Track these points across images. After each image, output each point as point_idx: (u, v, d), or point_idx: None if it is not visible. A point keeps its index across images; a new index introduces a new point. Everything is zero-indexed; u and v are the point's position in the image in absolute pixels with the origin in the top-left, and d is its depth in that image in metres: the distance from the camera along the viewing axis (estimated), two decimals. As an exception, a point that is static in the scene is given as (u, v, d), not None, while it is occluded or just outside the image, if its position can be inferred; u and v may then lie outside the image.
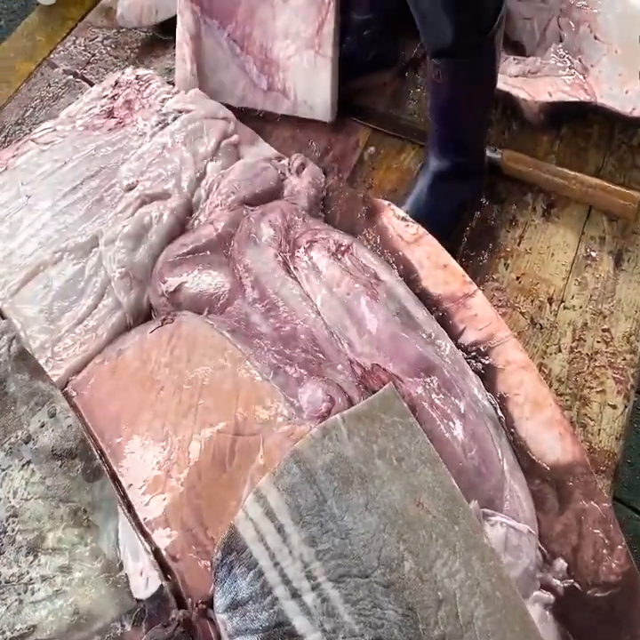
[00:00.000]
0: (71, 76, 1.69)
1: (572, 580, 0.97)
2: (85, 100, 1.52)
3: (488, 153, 1.38)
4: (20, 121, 1.62)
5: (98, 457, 1.04)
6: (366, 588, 0.83)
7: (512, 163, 1.40)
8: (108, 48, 1.75)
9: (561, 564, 0.98)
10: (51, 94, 1.67)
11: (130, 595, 0.92)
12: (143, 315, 1.24)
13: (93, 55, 1.74)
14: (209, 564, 0.92)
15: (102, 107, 1.50)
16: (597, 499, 1.00)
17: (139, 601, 0.91)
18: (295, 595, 0.85)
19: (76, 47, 1.75)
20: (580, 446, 1.03)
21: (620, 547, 0.97)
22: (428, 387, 1.05)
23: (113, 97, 1.51)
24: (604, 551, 0.97)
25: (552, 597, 0.96)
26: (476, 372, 1.09)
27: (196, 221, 1.31)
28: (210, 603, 0.89)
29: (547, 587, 0.97)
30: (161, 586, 0.89)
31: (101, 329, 1.20)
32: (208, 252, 1.24)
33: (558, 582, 0.97)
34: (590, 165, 1.45)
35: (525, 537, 0.98)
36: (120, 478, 1.02)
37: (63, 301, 1.22)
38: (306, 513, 0.88)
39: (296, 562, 0.86)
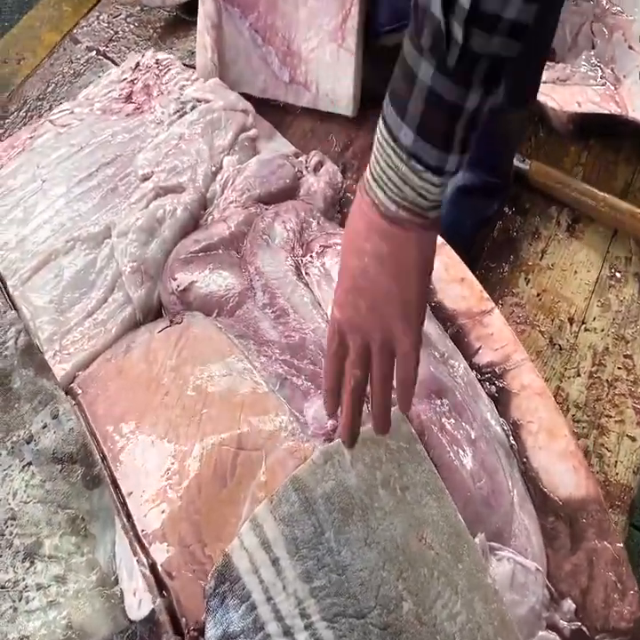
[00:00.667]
0: (93, 53, 1.66)
1: (579, 623, 0.93)
2: (104, 82, 1.49)
3: (516, 162, 1.32)
4: (41, 96, 1.60)
5: (99, 461, 1.02)
6: (361, 629, 0.79)
7: (540, 177, 1.35)
8: (131, 26, 1.71)
9: (569, 604, 0.94)
10: (72, 71, 1.65)
11: (123, 612, 0.90)
12: (153, 311, 1.21)
13: (116, 33, 1.70)
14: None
15: (121, 90, 1.46)
16: (611, 539, 0.95)
17: (131, 622, 0.88)
18: (287, 633, 0.81)
19: (99, 23, 1.72)
20: (594, 481, 0.99)
21: (632, 592, 0.93)
22: (438, 410, 1.00)
23: (132, 81, 1.46)
24: (616, 596, 0.93)
25: (558, 639, 0.92)
26: (490, 395, 1.05)
27: (210, 217, 1.27)
28: (202, 630, 0.85)
29: (553, 627, 0.93)
30: (153, 610, 0.87)
31: (110, 324, 1.17)
32: (220, 251, 1.20)
33: (565, 624, 0.93)
34: (619, 180, 1.39)
35: (533, 574, 0.93)
36: (120, 485, 0.99)
37: (74, 293, 1.19)
38: (302, 546, 0.85)
39: (290, 598, 0.82)
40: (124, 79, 1.47)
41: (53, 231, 1.23)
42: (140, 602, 0.89)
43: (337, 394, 0.81)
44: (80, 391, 1.09)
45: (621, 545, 0.95)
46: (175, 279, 1.16)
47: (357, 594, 0.81)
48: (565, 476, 0.99)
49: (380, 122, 0.70)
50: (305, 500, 0.86)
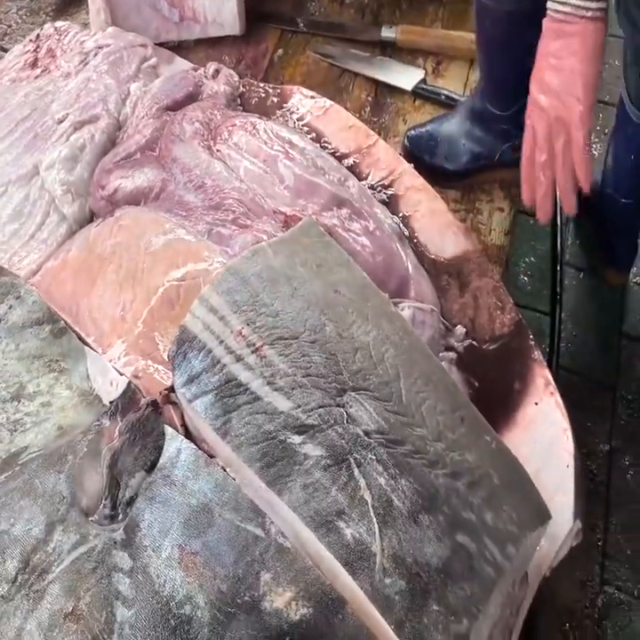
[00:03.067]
0: (-11, 51, 1.93)
1: (470, 340, 1.38)
2: (8, 58, 1.85)
3: (383, 32, 1.80)
4: (-55, 106, 1.93)
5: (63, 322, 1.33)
6: (296, 345, 1.15)
7: (407, 36, 1.84)
8: (23, 17, 2.11)
9: (460, 329, 1.40)
10: (-29, 74, 1.95)
11: (104, 405, 1.24)
12: (87, 223, 1.56)
13: (9, 26, 2.09)
14: (168, 377, 1.26)
15: (26, 61, 1.83)
16: (490, 274, 1.40)
17: (111, 402, 1.21)
18: (239, 359, 1.14)
19: (-11, 22, 2.02)
20: (472, 238, 1.44)
21: (509, 305, 1.37)
22: (340, 217, 1.42)
23: (35, 50, 1.84)
24: (498, 312, 1.36)
25: (455, 355, 1.36)
26: (382, 202, 1.48)
27: (125, 134, 1.62)
28: (171, 388, 1.20)
29: (450, 349, 1.38)
30: (129, 382, 1.21)
31: (51, 239, 1.53)
32: (139, 156, 1.57)
33: (459, 343, 1.38)
34: (471, 23, 1.81)
35: (429, 314, 1.36)
36: (84, 338, 1.35)
37: (13, 225, 1.56)
38: (242, 304, 1.18)
39: (238, 337, 1.17)
40: (28, 51, 1.83)
41: (-15, 186, 1.54)
42: (116, 386, 1.21)
43: (531, 180, 1.25)
44: (34, 289, 1.40)
45: (498, 277, 1.40)
46: (103, 187, 1.52)
47: (289, 325, 1.16)
48: (448, 240, 1.45)
49: None
50: (240, 278, 1.21)
